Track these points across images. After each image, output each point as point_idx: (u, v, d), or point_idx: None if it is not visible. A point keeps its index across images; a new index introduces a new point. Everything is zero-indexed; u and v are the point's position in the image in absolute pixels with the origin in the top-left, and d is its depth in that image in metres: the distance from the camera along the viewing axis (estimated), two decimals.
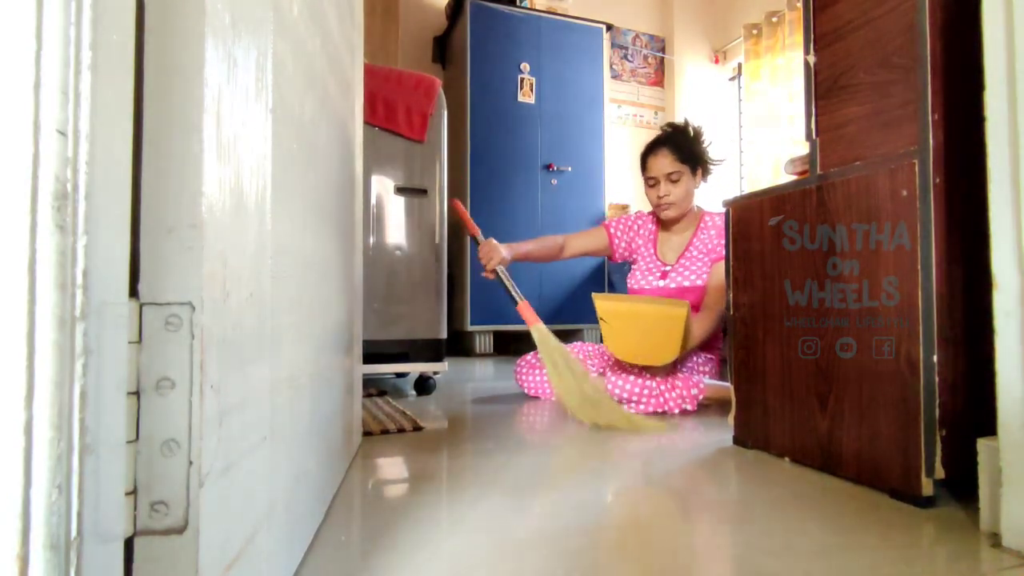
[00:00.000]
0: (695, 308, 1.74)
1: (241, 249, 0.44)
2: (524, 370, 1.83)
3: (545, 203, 3.30)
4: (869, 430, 0.90)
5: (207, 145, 0.38)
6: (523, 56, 3.28)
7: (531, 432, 1.36)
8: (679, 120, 1.91)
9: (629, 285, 1.92)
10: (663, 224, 1.90)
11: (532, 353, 1.82)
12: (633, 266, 1.95)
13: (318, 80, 0.77)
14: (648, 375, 1.58)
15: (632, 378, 1.58)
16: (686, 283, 1.79)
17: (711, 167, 1.85)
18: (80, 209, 0.28)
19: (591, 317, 2.91)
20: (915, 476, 0.82)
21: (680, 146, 1.77)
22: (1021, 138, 0.68)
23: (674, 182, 1.76)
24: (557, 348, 1.54)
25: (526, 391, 1.82)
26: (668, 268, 1.84)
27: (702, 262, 1.79)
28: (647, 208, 1.96)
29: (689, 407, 1.55)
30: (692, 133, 1.82)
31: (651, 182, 1.80)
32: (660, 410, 1.54)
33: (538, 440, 1.29)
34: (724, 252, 1.61)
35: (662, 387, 1.56)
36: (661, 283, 1.83)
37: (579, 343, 1.92)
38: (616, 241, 1.97)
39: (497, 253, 1.71)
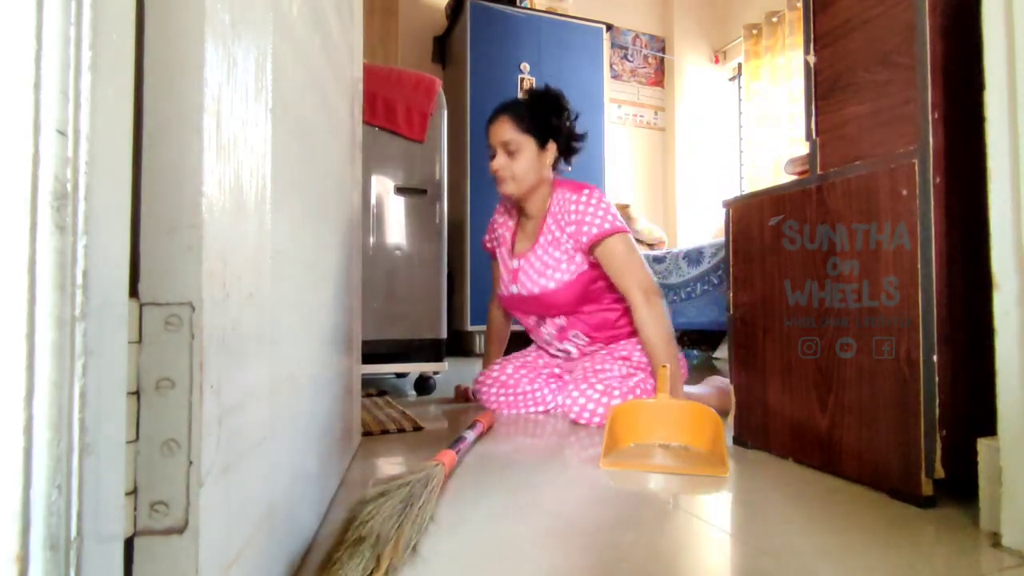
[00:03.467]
0: (561, 310, 1.50)
1: (241, 249, 0.44)
2: (491, 391, 1.58)
3: None
4: (869, 430, 0.90)
5: (207, 145, 0.38)
6: (523, 56, 3.28)
7: (532, 431, 1.36)
8: (541, 88, 1.60)
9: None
10: (519, 209, 1.61)
11: (500, 367, 1.61)
12: (496, 264, 1.69)
13: (318, 80, 0.77)
14: (610, 384, 1.38)
15: (585, 388, 1.38)
16: (535, 289, 1.49)
17: (574, 144, 1.58)
18: (80, 209, 0.28)
19: None
20: (915, 476, 0.82)
21: (523, 114, 1.50)
22: (1021, 138, 0.68)
23: (511, 153, 1.49)
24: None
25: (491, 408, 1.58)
26: (516, 266, 1.55)
27: (552, 257, 1.49)
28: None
29: None
30: (549, 101, 1.53)
31: (490, 152, 1.54)
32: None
33: (539, 439, 1.29)
34: (603, 228, 1.39)
35: (626, 387, 1.38)
36: (514, 289, 1.56)
37: (534, 347, 1.72)
38: (494, 248, 1.70)
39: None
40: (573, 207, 1.46)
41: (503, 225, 1.66)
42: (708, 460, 1.04)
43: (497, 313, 1.77)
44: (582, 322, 1.54)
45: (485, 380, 1.60)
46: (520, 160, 1.49)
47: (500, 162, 1.50)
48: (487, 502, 0.86)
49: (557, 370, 1.63)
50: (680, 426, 1.15)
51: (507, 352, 1.80)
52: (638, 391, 1.41)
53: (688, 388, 1.54)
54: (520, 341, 1.82)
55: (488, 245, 1.73)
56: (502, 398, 1.55)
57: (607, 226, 1.42)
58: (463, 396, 1.71)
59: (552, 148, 1.54)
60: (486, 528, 0.77)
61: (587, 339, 1.56)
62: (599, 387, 1.39)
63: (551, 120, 1.53)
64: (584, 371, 1.46)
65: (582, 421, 1.40)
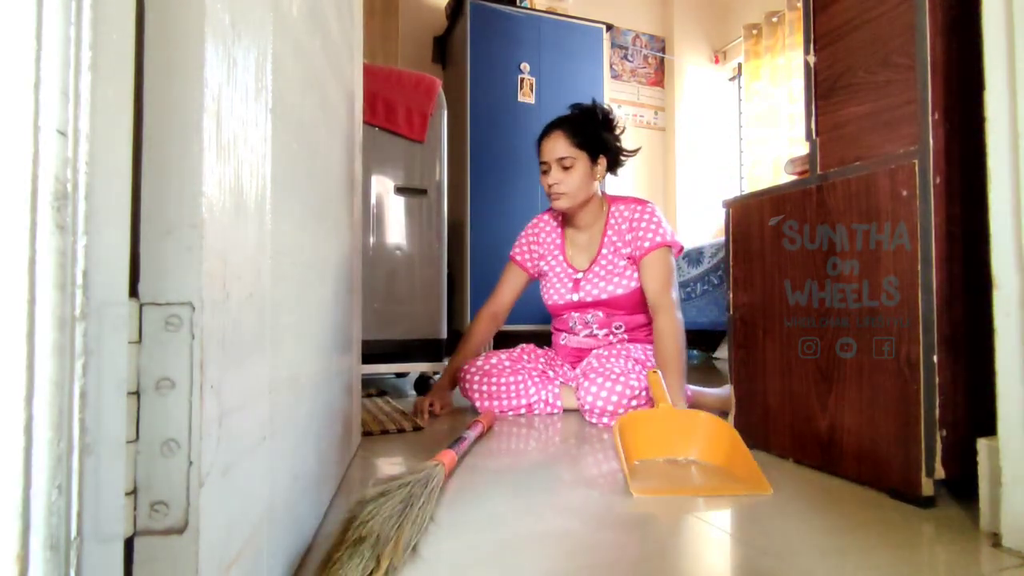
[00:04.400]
0: (621, 309, 1.59)
1: (241, 249, 0.44)
2: (474, 380, 1.56)
3: (545, 203, 3.29)
4: (869, 430, 0.90)
5: (207, 145, 0.38)
6: (523, 56, 3.28)
7: (532, 431, 1.36)
8: (587, 103, 1.64)
9: (546, 301, 1.69)
10: (566, 220, 1.67)
11: (485, 358, 1.60)
12: (544, 279, 1.71)
13: (318, 80, 0.77)
14: (624, 380, 1.39)
15: (608, 385, 1.39)
16: (603, 295, 1.58)
17: (622, 158, 1.64)
18: (80, 209, 0.28)
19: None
20: (915, 476, 0.82)
21: (578, 129, 1.55)
22: (1021, 138, 0.68)
23: (567, 169, 1.54)
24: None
25: (477, 405, 1.56)
26: (579, 276, 1.62)
27: (616, 266, 1.58)
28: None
29: None
30: (599, 117, 1.59)
31: (543, 167, 1.58)
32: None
33: (539, 439, 1.29)
34: (662, 240, 1.51)
35: (640, 392, 1.39)
36: (575, 296, 1.61)
37: (523, 345, 1.72)
38: (529, 266, 1.73)
39: (445, 397, 1.59)
40: (636, 216, 1.56)
41: (549, 237, 1.70)
42: (742, 477, 0.96)
43: (485, 323, 1.72)
44: (629, 317, 1.62)
45: (469, 369, 1.58)
46: (574, 175, 1.54)
47: (556, 177, 1.54)
48: (488, 503, 0.86)
49: (541, 365, 1.65)
50: (689, 438, 1.09)
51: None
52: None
53: (701, 388, 1.59)
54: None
55: (521, 257, 1.73)
56: (483, 387, 1.53)
57: (665, 238, 1.53)
58: (423, 410, 1.51)
59: (603, 163, 1.59)
60: (487, 529, 0.77)
61: (625, 335, 1.64)
62: (618, 388, 1.38)
63: (602, 135, 1.58)
64: (600, 365, 1.46)
65: (592, 419, 1.41)
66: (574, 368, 1.68)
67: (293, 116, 0.62)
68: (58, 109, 0.27)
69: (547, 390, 1.56)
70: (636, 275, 1.56)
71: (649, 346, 1.61)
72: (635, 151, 1.66)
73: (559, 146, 1.55)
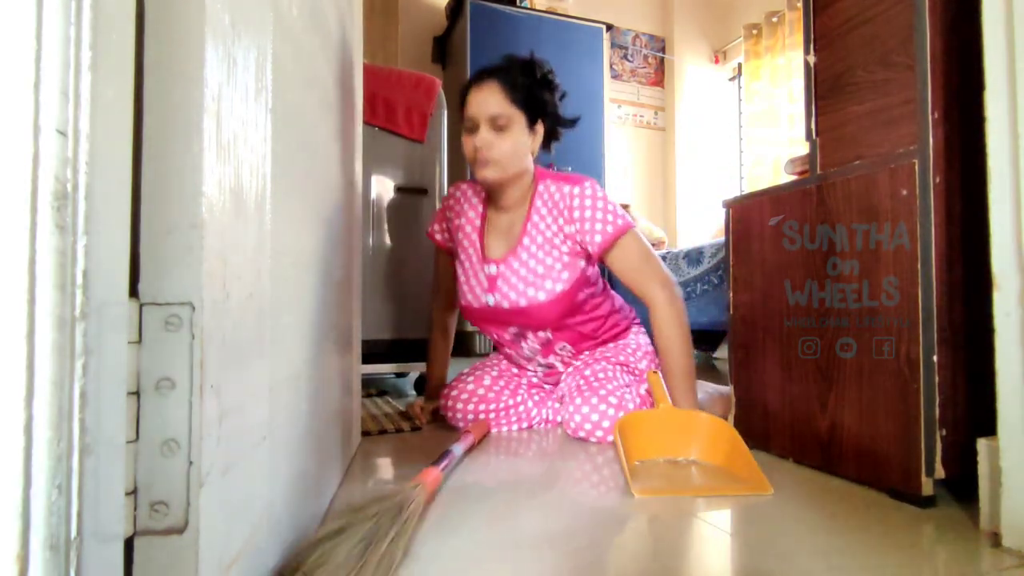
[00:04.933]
0: (545, 325, 1.29)
1: (241, 249, 0.44)
2: (467, 408, 1.32)
3: None
4: (869, 430, 0.90)
5: (207, 145, 0.38)
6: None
7: (532, 431, 1.36)
8: (524, 55, 1.27)
9: (459, 300, 1.38)
10: (489, 197, 1.32)
11: (475, 379, 1.35)
12: (457, 265, 1.37)
13: (318, 80, 0.77)
14: (621, 396, 1.22)
15: (599, 404, 1.20)
16: (521, 300, 1.25)
17: (559, 129, 1.34)
18: (80, 209, 0.28)
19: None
20: (915, 476, 0.82)
21: (516, 83, 1.23)
22: (1021, 138, 0.68)
23: (500, 129, 1.21)
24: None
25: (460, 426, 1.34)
26: (493, 272, 1.28)
27: (539, 261, 1.25)
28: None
29: None
30: (539, 74, 1.28)
31: (468, 125, 1.23)
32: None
33: (539, 439, 1.29)
34: (614, 228, 1.20)
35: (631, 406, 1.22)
36: (490, 299, 1.28)
37: (495, 358, 1.48)
38: (451, 245, 1.38)
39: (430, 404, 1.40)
40: (574, 203, 1.22)
41: (464, 216, 1.34)
42: (742, 477, 0.95)
43: (443, 321, 1.47)
44: (571, 331, 1.32)
45: (459, 395, 1.32)
46: (508, 139, 1.21)
47: (486, 139, 1.20)
48: (488, 504, 0.86)
49: (536, 379, 1.43)
50: (689, 438, 1.08)
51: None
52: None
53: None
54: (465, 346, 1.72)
55: (439, 237, 1.40)
56: (481, 416, 1.30)
57: (617, 225, 1.21)
58: (417, 414, 1.39)
59: (540, 130, 1.29)
60: (487, 529, 0.76)
61: (573, 350, 1.36)
62: (611, 399, 1.20)
63: (543, 95, 1.28)
64: (583, 381, 1.27)
65: (587, 436, 1.22)
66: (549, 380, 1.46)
67: (293, 116, 0.62)
68: (58, 109, 0.27)
69: (547, 407, 1.38)
70: (567, 276, 1.25)
71: (624, 342, 1.40)
72: (574, 122, 1.35)
73: (492, 100, 1.20)
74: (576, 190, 1.23)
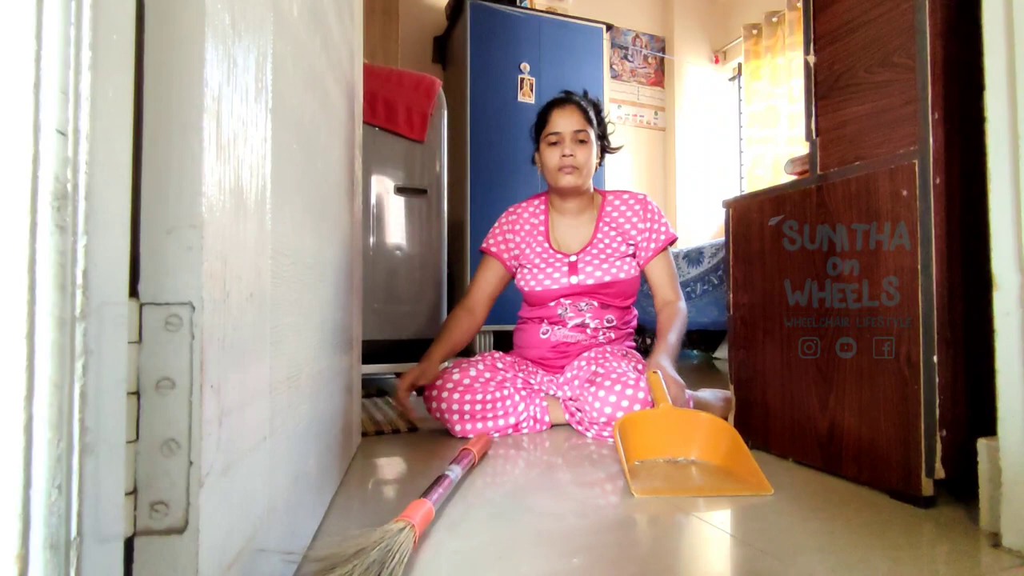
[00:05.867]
0: (616, 298, 1.50)
1: (241, 249, 0.44)
2: (452, 398, 1.32)
3: None
4: (869, 430, 0.90)
5: (207, 145, 0.38)
6: (523, 56, 3.28)
7: (531, 431, 1.36)
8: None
9: (525, 288, 1.52)
10: (553, 206, 1.57)
11: (461, 371, 1.36)
12: (522, 268, 1.54)
13: (318, 80, 0.77)
14: (631, 396, 1.23)
15: (612, 400, 1.23)
16: (606, 276, 1.47)
17: (608, 150, 1.61)
18: (80, 209, 0.28)
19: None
20: (915, 476, 0.82)
21: (587, 108, 1.51)
22: (1021, 138, 0.68)
23: (581, 143, 1.47)
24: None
25: (456, 431, 1.32)
26: (574, 259, 1.49)
27: (615, 251, 1.50)
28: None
29: None
30: (597, 104, 1.57)
31: (553, 139, 1.47)
32: None
33: (535, 440, 1.29)
34: (667, 235, 1.49)
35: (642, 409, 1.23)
36: (573, 279, 1.48)
37: (480, 356, 1.48)
38: (506, 257, 1.55)
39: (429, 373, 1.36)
40: (648, 207, 1.53)
41: (530, 223, 1.57)
42: (742, 477, 0.96)
43: (465, 320, 1.52)
44: (615, 309, 1.53)
45: (444, 385, 1.33)
46: (587, 150, 1.48)
47: (572, 149, 1.46)
48: (487, 505, 0.86)
49: (522, 374, 1.47)
50: (689, 438, 1.08)
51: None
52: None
53: (691, 392, 1.44)
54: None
55: (496, 248, 1.55)
56: (465, 407, 1.30)
57: (670, 235, 1.52)
58: (401, 404, 1.36)
59: (598, 149, 1.55)
60: (487, 529, 0.76)
61: (612, 325, 1.52)
62: (628, 392, 1.23)
63: (602, 122, 1.56)
64: (596, 376, 1.30)
65: (590, 433, 1.28)
66: (549, 372, 1.51)
67: (293, 116, 0.62)
68: (58, 109, 0.27)
69: (534, 405, 1.39)
70: (635, 265, 1.51)
71: (629, 344, 1.56)
72: (617, 148, 1.64)
73: (575, 118, 1.47)
74: (645, 199, 1.55)
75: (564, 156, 1.46)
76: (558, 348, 1.50)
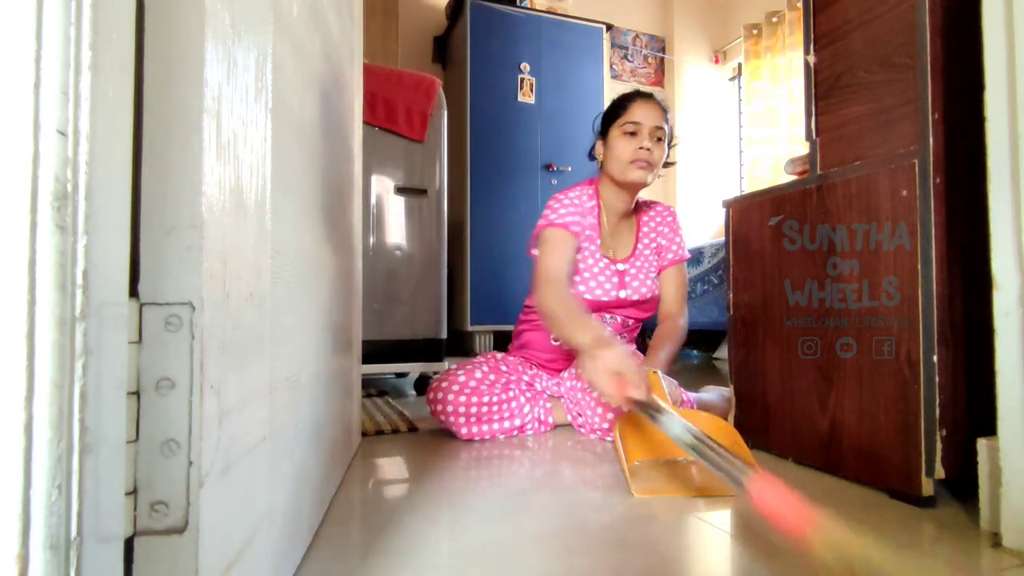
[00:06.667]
0: (646, 312, 1.48)
1: (241, 249, 0.44)
2: (458, 401, 1.29)
3: (545, 203, 3.30)
4: (869, 430, 0.90)
5: (207, 145, 0.38)
6: (523, 56, 3.28)
7: (536, 432, 1.36)
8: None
9: (578, 296, 1.41)
10: (605, 201, 1.47)
11: (467, 372, 1.33)
12: (580, 263, 1.44)
13: (318, 80, 0.77)
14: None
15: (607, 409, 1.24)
16: (649, 293, 1.45)
17: (665, 163, 1.51)
18: (80, 209, 0.28)
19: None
20: (915, 476, 0.82)
21: (666, 111, 1.45)
22: (1021, 138, 0.68)
23: (659, 140, 1.39)
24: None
25: (461, 434, 1.29)
26: (623, 269, 1.44)
27: (652, 265, 1.49)
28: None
29: None
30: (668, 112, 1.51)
31: (631, 128, 1.38)
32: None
33: (537, 440, 1.29)
34: (684, 252, 1.50)
35: None
36: (622, 293, 1.43)
37: (483, 356, 1.47)
38: (577, 231, 1.41)
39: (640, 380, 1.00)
40: (673, 227, 1.52)
41: (588, 212, 1.45)
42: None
43: (572, 292, 1.40)
44: (638, 320, 1.50)
45: (450, 387, 1.30)
46: (661, 150, 1.41)
47: (649, 143, 1.37)
48: (487, 506, 0.86)
49: (527, 377, 1.45)
50: None
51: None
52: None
53: (693, 395, 1.45)
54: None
55: (571, 220, 1.40)
56: (470, 408, 1.28)
57: (683, 253, 1.52)
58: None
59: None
60: (487, 529, 0.76)
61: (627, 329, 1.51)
62: None
63: (670, 130, 1.50)
64: None
65: (594, 436, 1.28)
66: (553, 375, 1.48)
67: (293, 116, 0.62)
68: (58, 109, 0.27)
69: (539, 406, 1.38)
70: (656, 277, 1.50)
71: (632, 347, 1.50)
72: (673, 163, 1.55)
73: (657, 114, 1.40)
74: (672, 213, 1.55)
75: (641, 149, 1.37)
76: (569, 355, 1.45)
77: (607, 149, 1.44)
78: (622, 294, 1.43)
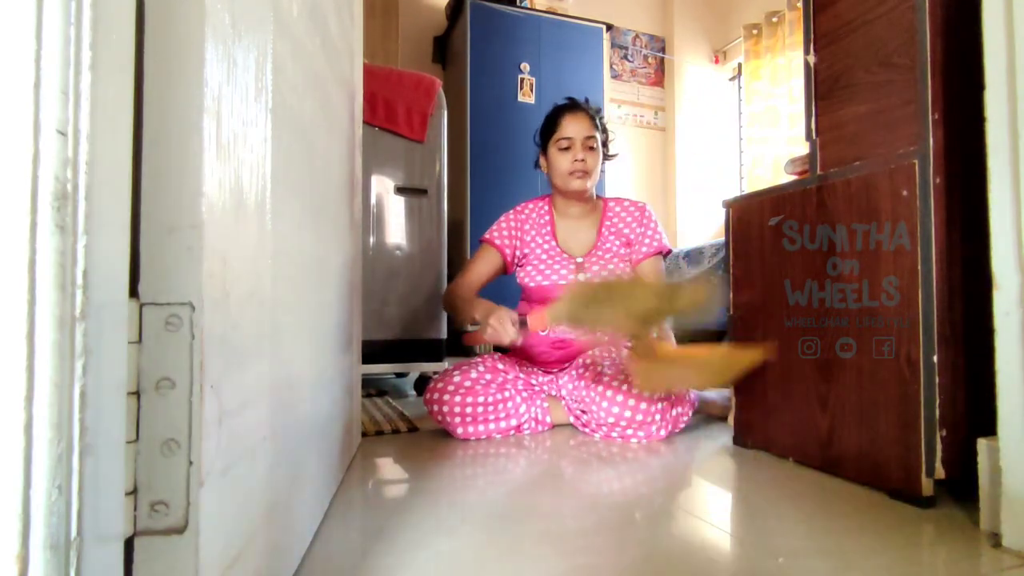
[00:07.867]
0: None
1: (241, 249, 0.44)
2: (453, 400, 1.31)
3: None
4: (869, 430, 0.90)
5: (207, 145, 0.37)
6: (523, 56, 3.28)
7: (533, 432, 1.36)
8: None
9: (529, 283, 1.54)
10: (557, 209, 1.60)
11: (462, 372, 1.36)
12: (526, 264, 1.57)
13: (318, 80, 0.77)
14: (638, 395, 1.25)
15: (620, 400, 1.25)
16: (612, 275, 1.54)
17: (606, 157, 1.63)
18: (80, 209, 0.28)
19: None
20: (915, 476, 0.82)
21: (594, 116, 1.55)
22: (1021, 138, 0.68)
23: (591, 149, 1.50)
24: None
25: (458, 433, 1.31)
26: (581, 260, 1.54)
27: (616, 253, 1.55)
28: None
29: (682, 426, 1.33)
30: (599, 113, 1.60)
31: (564, 144, 1.50)
32: (649, 439, 1.26)
33: (537, 440, 1.29)
34: (660, 244, 1.55)
35: (652, 409, 1.25)
36: (580, 277, 1.52)
37: (480, 357, 1.48)
38: (507, 251, 1.57)
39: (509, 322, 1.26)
40: (646, 214, 1.58)
41: (538, 223, 1.60)
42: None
43: (465, 287, 1.55)
44: None
45: (446, 388, 1.32)
46: (596, 156, 1.53)
47: (583, 154, 1.50)
48: (487, 502, 0.86)
49: (523, 375, 1.46)
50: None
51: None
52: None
53: (703, 392, 1.49)
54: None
55: (500, 241, 1.58)
56: (466, 408, 1.29)
57: (663, 244, 1.57)
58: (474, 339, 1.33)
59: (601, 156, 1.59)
60: (487, 529, 0.76)
61: None
62: (636, 391, 1.25)
63: (604, 128, 1.60)
64: (609, 370, 1.33)
65: (598, 435, 1.29)
66: (549, 372, 1.50)
67: (293, 116, 0.62)
68: (58, 109, 0.27)
69: (535, 406, 1.39)
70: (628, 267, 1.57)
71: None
72: (615, 156, 1.68)
73: (586, 125, 1.51)
74: (643, 208, 1.60)
75: (576, 161, 1.49)
76: (556, 344, 1.50)
77: (549, 163, 1.56)
78: (581, 277, 1.52)
